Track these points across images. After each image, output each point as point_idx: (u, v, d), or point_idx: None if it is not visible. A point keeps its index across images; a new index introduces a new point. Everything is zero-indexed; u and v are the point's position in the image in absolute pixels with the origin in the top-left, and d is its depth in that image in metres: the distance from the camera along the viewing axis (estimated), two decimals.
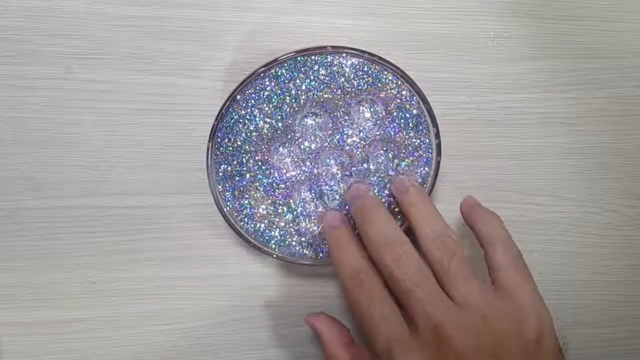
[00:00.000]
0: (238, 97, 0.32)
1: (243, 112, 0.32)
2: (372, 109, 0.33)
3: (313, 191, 0.33)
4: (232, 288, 0.35)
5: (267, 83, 0.32)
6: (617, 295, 0.38)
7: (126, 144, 0.34)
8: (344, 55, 0.32)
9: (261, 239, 0.33)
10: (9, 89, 0.33)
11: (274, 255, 0.33)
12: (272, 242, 0.33)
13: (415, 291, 0.28)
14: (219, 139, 0.32)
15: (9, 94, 0.33)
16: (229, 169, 0.32)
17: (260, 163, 0.33)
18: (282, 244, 0.33)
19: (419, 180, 0.33)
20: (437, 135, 0.33)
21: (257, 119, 0.32)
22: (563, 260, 0.38)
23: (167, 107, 0.34)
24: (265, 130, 0.32)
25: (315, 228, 0.33)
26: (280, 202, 0.33)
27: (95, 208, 0.34)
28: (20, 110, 0.33)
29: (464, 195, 0.33)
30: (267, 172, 0.33)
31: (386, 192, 0.33)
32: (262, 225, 0.33)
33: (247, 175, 0.32)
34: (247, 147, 0.32)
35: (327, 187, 0.33)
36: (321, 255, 0.33)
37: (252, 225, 0.33)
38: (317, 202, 0.33)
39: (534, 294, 0.29)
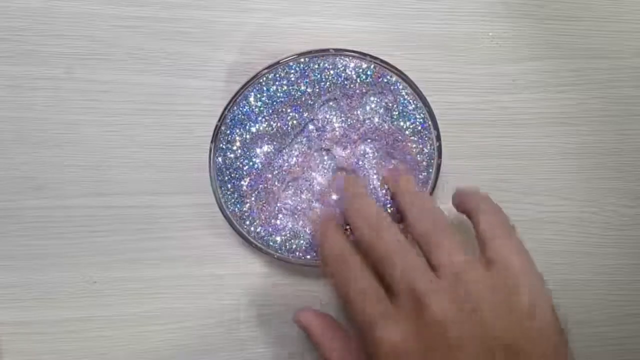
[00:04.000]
0: (240, 99, 0.32)
1: (245, 115, 0.32)
2: (374, 112, 0.33)
3: (315, 195, 0.33)
4: (232, 288, 0.35)
5: (269, 86, 0.32)
6: (617, 295, 0.38)
7: (126, 144, 0.34)
8: (346, 58, 0.32)
9: (262, 242, 0.33)
10: (10, 89, 0.33)
11: (275, 256, 0.33)
12: (274, 245, 0.33)
13: (393, 260, 0.26)
14: (221, 141, 0.32)
15: (10, 94, 0.33)
16: (231, 171, 0.32)
17: (261, 166, 0.32)
18: (284, 246, 0.33)
19: (420, 182, 0.33)
20: (438, 138, 0.33)
21: (258, 122, 0.32)
22: (563, 260, 0.38)
23: (167, 107, 0.34)
24: (267, 134, 0.32)
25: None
26: (282, 205, 0.33)
27: (95, 208, 0.34)
28: (20, 111, 0.33)
29: None
30: (269, 176, 0.33)
31: (383, 191, 0.33)
32: (263, 229, 0.33)
33: (248, 179, 0.32)
34: (248, 150, 0.32)
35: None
36: None
37: (254, 228, 0.33)
38: (319, 205, 0.33)
39: (525, 263, 0.27)
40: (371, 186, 0.33)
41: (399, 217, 0.31)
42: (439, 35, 0.35)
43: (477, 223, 0.28)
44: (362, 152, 0.33)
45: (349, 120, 0.33)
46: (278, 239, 0.33)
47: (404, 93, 0.32)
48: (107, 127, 0.33)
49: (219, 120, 0.32)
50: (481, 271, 0.26)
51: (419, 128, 0.33)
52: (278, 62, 0.31)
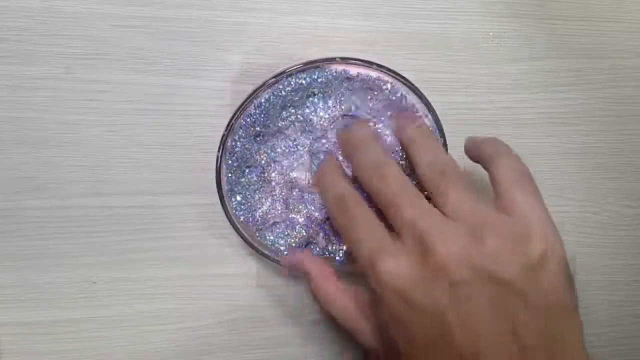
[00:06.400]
0: (245, 115, 0.31)
1: (249, 126, 0.31)
2: (380, 119, 0.32)
3: (324, 205, 0.32)
4: (232, 288, 0.35)
5: (275, 96, 0.31)
6: (617, 295, 0.38)
7: (126, 144, 0.34)
8: (352, 66, 0.31)
9: (268, 249, 0.33)
10: (9, 89, 0.33)
11: (278, 260, 0.33)
12: (276, 249, 0.33)
13: (400, 203, 0.26)
14: (228, 153, 0.32)
15: (9, 94, 0.33)
16: (238, 181, 0.32)
17: (269, 179, 0.32)
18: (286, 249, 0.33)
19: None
20: (444, 145, 0.32)
21: (266, 137, 0.32)
22: None
23: (167, 107, 0.34)
24: (271, 145, 0.32)
25: (326, 243, 0.33)
26: (287, 217, 0.33)
27: (95, 208, 0.34)
28: (20, 111, 0.33)
29: None
30: (275, 187, 0.32)
31: None
32: (272, 238, 0.33)
33: (256, 187, 0.32)
34: (254, 161, 0.32)
35: None
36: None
37: (263, 237, 0.33)
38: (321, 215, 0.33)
39: (540, 211, 0.26)
40: None
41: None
42: (439, 35, 0.35)
43: (493, 170, 0.27)
44: None
45: None
46: (282, 246, 0.33)
47: (411, 100, 0.32)
48: (107, 127, 0.33)
49: (225, 129, 0.31)
50: (491, 214, 0.25)
51: None
52: (283, 72, 0.30)
